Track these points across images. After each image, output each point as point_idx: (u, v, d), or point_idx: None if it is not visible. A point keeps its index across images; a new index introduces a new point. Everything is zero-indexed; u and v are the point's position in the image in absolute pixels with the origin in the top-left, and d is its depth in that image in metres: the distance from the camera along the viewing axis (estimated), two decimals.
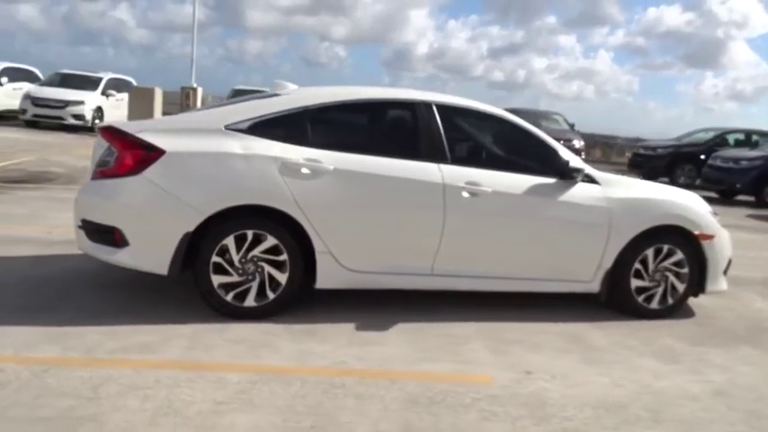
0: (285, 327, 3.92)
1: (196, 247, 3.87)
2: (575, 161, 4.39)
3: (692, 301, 4.98)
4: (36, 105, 16.78)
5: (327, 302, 4.32)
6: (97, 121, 16.83)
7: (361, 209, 4.08)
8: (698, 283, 4.78)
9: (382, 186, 4.10)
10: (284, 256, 3.97)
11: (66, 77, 18.29)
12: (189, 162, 3.87)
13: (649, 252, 4.60)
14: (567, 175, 4.36)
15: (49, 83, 18.13)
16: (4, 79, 18.15)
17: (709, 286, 4.81)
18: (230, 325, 3.85)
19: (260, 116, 4.07)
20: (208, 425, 2.71)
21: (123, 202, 3.85)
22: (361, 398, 3.06)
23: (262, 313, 3.99)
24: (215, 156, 3.89)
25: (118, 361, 3.26)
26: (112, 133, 3.95)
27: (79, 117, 17.03)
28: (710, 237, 4.71)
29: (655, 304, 4.68)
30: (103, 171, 3.93)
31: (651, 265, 4.62)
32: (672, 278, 4.69)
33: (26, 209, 6.88)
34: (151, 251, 3.85)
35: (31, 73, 19.43)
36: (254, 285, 3.97)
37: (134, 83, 19.55)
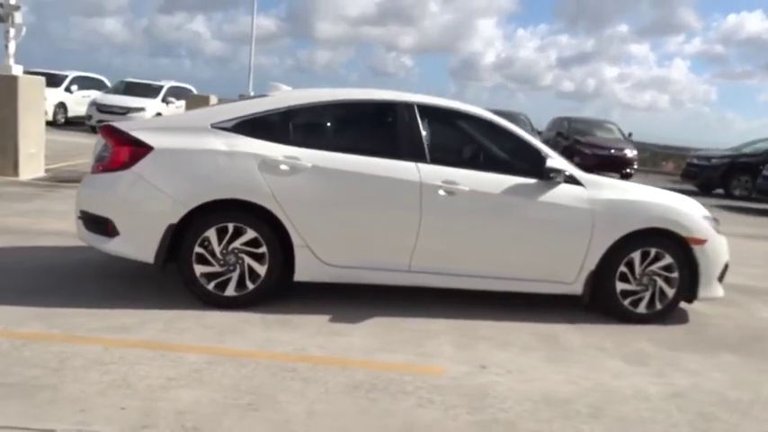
0: (261, 316, 4.11)
1: (181, 238, 4.12)
2: (554, 162, 4.41)
3: (693, 307, 4.90)
4: (101, 112, 17.64)
5: (308, 295, 4.49)
6: None
7: (338, 205, 4.24)
8: (690, 289, 4.70)
9: (359, 184, 4.24)
10: (263, 249, 4.17)
11: (131, 85, 19.27)
12: (175, 158, 4.13)
13: (635, 255, 4.56)
14: (545, 176, 4.39)
15: (115, 90, 19.14)
16: (74, 87, 19.31)
17: (702, 292, 4.71)
18: (209, 312, 4.07)
19: (245, 115, 4.30)
20: (153, 397, 2.92)
21: (115, 194, 4.14)
22: (307, 381, 3.21)
23: (241, 302, 4.19)
24: (199, 152, 4.14)
25: (93, 339, 3.52)
26: (109, 131, 4.26)
27: None
28: (702, 241, 4.62)
29: (642, 308, 4.63)
30: (99, 166, 4.24)
31: (638, 269, 4.58)
32: (660, 283, 4.63)
33: (66, 205, 7.34)
34: (139, 241, 4.13)
35: (100, 81, 20.57)
36: (235, 276, 4.18)
37: (194, 91, 20.38)
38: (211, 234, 4.12)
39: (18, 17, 9.63)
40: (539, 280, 4.53)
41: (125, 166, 4.11)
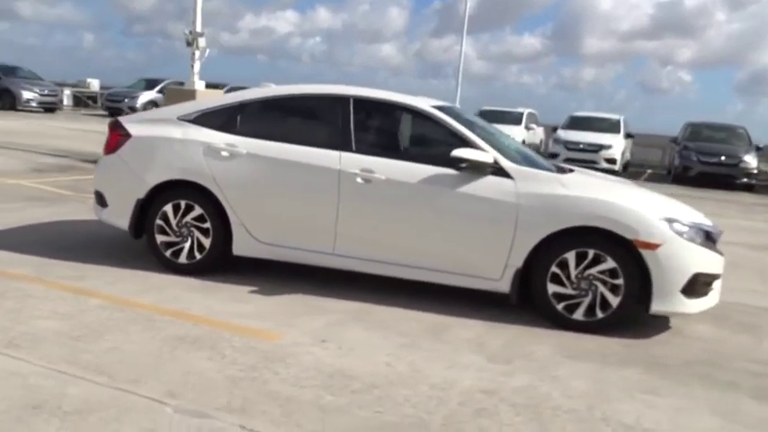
0: (202, 282, 4.69)
1: (147, 212, 4.90)
2: (462, 152, 4.26)
3: (694, 324, 4.31)
4: None
5: (272, 270, 4.89)
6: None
7: (267, 188, 4.65)
8: (645, 300, 4.15)
9: (285, 170, 4.61)
10: (208, 224, 4.76)
11: (488, 114, 19.18)
12: (145, 144, 4.93)
13: (569, 256, 4.19)
14: (452, 165, 4.28)
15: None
16: None
17: (655, 305, 4.13)
18: (161, 275, 4.76)
19: (204, 109, 4.96)
20: (19, 320, 3.68)
21: (106, 173, 5.09)
22: (143, 328, 3.70)
23: (192, 270, 4.81)
24: (162, 140, 4.89)
25: (48, 282, 4.42)
26: (113, 122, 5.24)
27: None
28: (653, 245, 4.06)
29: (579, 315, 4.21)
30: (104, 150, 5.24)
31: (573, 271, 4.19)
32: (602, 289, 4.17)
33: None
34: (119, 212, 4.99)
35: None
36: (186, 246, 4.83)
37: (538, 115, 21.15)
38: (168, 209, 4.83)
39: (202, 42, 11.59)
40: (462, 273, 4.40)
41: (114, 150, 5.03)
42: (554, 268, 4.22)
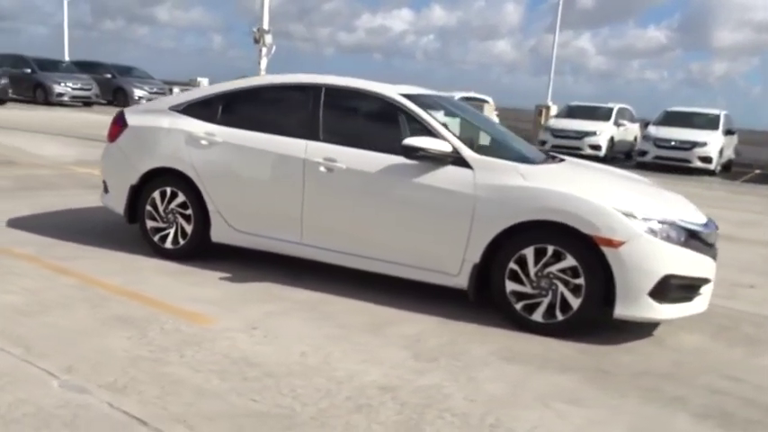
0: (181, 266, 4.82)
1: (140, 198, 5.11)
2: (414, 140, 4.07)
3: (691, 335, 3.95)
4: (555, 136, 17.97)
5: (258, 258, 4.95)
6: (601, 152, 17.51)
7: (241, 177, 4.70)
8: (608, 302, 3.81)
9: (256, 158, 4.64)
10: (190, 211, 4.90)
11: (577, 109, 19.28)
12: (138, 133, 5.13)
13: (528, 252, 3.91)
14: (405, 154, 4.11)
15: (563, 115, 19.50)
16: None
17: (619, 308, 3.77)
18: (149, 259, 4.94)
19: (192, 99, 5.08)
20: None
21: (107, 160, 5.35)
22: (92, 306, 3.85)
23: (177, 255, 4.96)
24: (152, 129, 5.06)
25: (40, 260, 4.71)
26: (118, 113, 5.50)
27: (596, 147, 17.58)
28: (615, 243, 3.71)
29: (538, 316, 3.93)
30: (107, 140, 5.51)
31: (532, 269, 3.91)
32: (562, 288, 3.87)
33: None
34: (117, 197, 5.23)
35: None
36: (171, 232, 5.00)
37: (633, 111, 20.12)
38: (156, 195, 5.01)
39: (268, 38, 11.97)
40: (421, 267, 4.24)
41: (113, 139, 5.28)
42: (512, 265, 3.96)
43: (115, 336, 3.47)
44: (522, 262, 3.93)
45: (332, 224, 4.45)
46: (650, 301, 3.74)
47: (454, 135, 4.24)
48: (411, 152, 4.08)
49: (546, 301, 3.91)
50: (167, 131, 4.96)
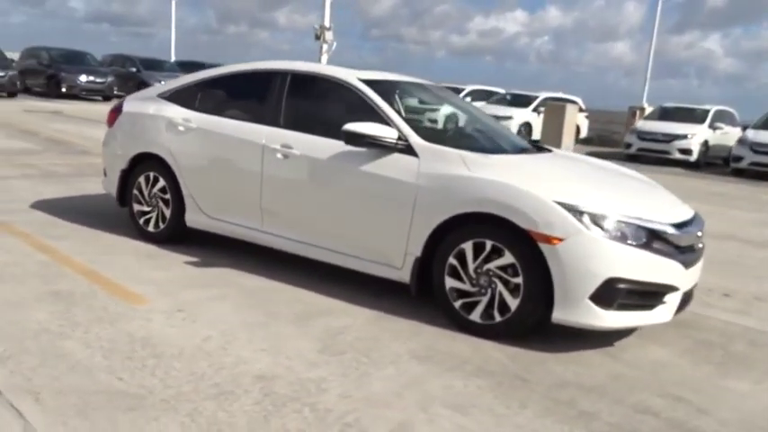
0: (155, 249, 4.91)
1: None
2: (355, 126, 3.88)
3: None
4: (642, 139, 16.78)
5: (232, 245, 4.99)
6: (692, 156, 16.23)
7: (210, 162, 4.72)
8: (549, 304, 3.48)
9: (223, 144, 4.64)
10: (168, 196, 4.99)
11: (671, 110, 17.94)
12: (130, 119, 5.29)
13: (467, 246, 3.65)
14: (345, 141, 3.93)
15: (655, 116, 18.09)
16: (467, 99, 21.62)
17: (557, 312, 3.43)
18: (132, 241, 5.07)
19: (177, 87, 5.16)
20: None
21: (105, 146, 5.55)
22: (42, 282, 3.97)
23: (159, 238, 5.06)
24: (140, 116, 5.20)
25: (30, 237, 4.96)
26: (118, 101, 5.69)
27: (686, 152, 16.30)
28: (554, 239, 3.38)
29: (476, 316, 3.65)
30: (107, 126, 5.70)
31: (471, 265, 3.65)
32: (500, 288, 3.57)
33: None
34: (111, 181, 5.42)
35: (494, 93, 22.29)
36: (154, 216, 5.11)
37: (736, 114, 18.54)
38: (141, 179, 5.14)
39: (329, 35, 12.07)
40: (368, 260, 4.06)
41: (110, 125, 5.48)
42: (452, 260, 3.70)
43: (40, 309, 3.56)
44: (461, 257, 3.67)
45: (288, 212, 4.36)
46: (592, 306, 3.37)
47: (406, 122, 4.03)
48: (352, 139, 3.90)
49: (485, 300, 3.62)
50: (152, 118, 5.07)
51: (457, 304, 3.70)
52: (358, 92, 4.23)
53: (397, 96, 4.55)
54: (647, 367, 3.45)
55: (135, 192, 5.17)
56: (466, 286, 3.67)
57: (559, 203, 3.42)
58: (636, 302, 3.47)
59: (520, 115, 19.20)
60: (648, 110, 21.08)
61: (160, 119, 5.00)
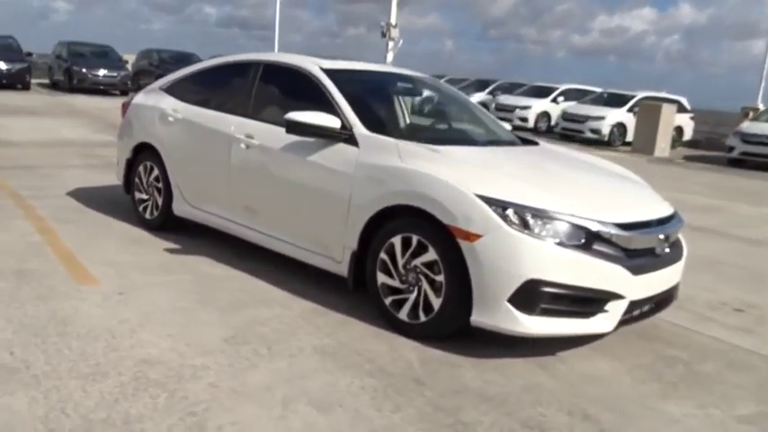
0: (147, 235, 5.08)
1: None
2: (298, 115, 3.77)
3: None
4: (745, 142, 15.37)
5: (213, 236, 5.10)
6: None
7: (190, 152, 4.81)
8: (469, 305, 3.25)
9: (200, 134, 4.72)
10: (161, 185, 5.15)
11: None
12: (135, 111, 5.51)
13: (396, 241, 3.48)
14: (287, 129, 3.83)
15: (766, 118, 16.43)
16: (561, 98, 20.79)
17: (475, 314, 3.19)
18: (130, 227, 5.29)
19: (174, 78, 5.31)
20: None
21: (117, 136, 5.82)
22: (17, 261, 4.21)
23: (154, 226, 5.24)
24: (142, 107, 5.40)
25: (39, 218, 5.31)
26: (133, 94, 5.95)
27: None
28: (472, 235, 3.14)
29: (403, 314, 3.47)
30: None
31: (400, 260, 3.47)
32: (425, 286, 3.38)
33: None
34: (120, 170, 5.68)
35: (590, 92, 21.23)
36: (150, 203, 5.30)
37: None
38: (141, 169, 5.34)
39: (395, 32, 12.00)
40: (314, 252, 3.97)
41: (123, 116, 5.74)
42: (383, 255, 3.53)
43: None
44: (391, 252, 3.49)
45: (250, 203, 4.36)
46: (511, 309, 3.08)
47: (355, 112, 3.89)
48: (294, 128, 3.81)
49: (412, 298, 3.42)
50: (150, 109, 5.25)
51: (387, 301, 3.53)
52: (316, 81, 4.15)
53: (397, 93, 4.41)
54: (576, 380, 3.11)
55: (136, 180, 5.37)
56: (395, 283, 3.49)
57: (481, 197, 3.16)
58: (566, 309, 3.14)
59: (613, 115, 18.16)
60: (761, 107, 19.30)
61: (156, 110, 5.16)
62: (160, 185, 5.11)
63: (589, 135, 18.08)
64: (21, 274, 3.99)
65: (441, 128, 4.51)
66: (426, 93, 4.99)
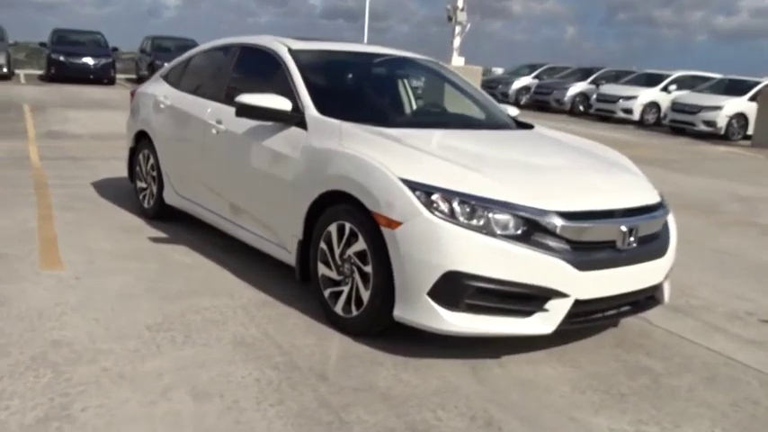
0: (143, 224, 5.38)
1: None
2: (247, 97, 3.84)
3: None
4: None
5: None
6: None
7: (174, 139, 5.05)
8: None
9: (182, 121, 4.93)
10: (155, 173, 5.44)
11: None
12: (137, 99, 5.83)
13: (333, 229, 3.49)
14: (237, 113, 3.91)
15: None
16: (673, 87, 19.71)
17: (397, 309, 3.15)
18: (130, 217, 5.63)
19: (171, 65, 5.58)
20: None
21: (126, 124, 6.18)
22: (4, 238, 4.64)
23: (151, 215, 5.53)
24: (142, 95, 5.71)
25: (49, 208, 5.75)
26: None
27: None
28: (393, 223, 3.10)
29: (339, 308, 3.48)
30: None
31: (336, 250, 3.49)
32: (357, 277, 3.37)
33: None
34: (126, 159, 6.04)
35: (706, 79, 19.94)
36: (148, 193, 5.60)
37: None
38: (141, 157, 5.66)
39: (461, 16, 11.89)
40: (270, 240, 4.05)
41: (131, 102, 6.10)
42: (322, 244, 3.55)
43: None
44: (329, 241, 3.51)
45: (219, 190, 4.51)
46: (432, 304, 3.01)
47: (312, 94, 3.93)
48: (243, 111, 3.89)
49: (346, 290, 3.42)
50: (148, 96, 5.55)
51: (326, 293, 3.54)
52: (281, 62, 4.23)
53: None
54: (504, 386, 2.98)
55: (137, 168, 5.69)
56: (333, 274, 3.50)
57: (405, 181, 3.11)
58: (498, 306, 3.02)
59: (732, 105, 16.94)
60: None
61: (151, 97, 5.45)
62: (155, 173, 5.38)
63: (702, 128, 17.00)
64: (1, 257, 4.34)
65: (409, 110, 4.44)
66: (408, 74, 4.94)
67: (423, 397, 2.84)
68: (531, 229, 3.02)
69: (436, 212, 3.00)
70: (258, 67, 4.57)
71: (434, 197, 3.04)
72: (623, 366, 3.28)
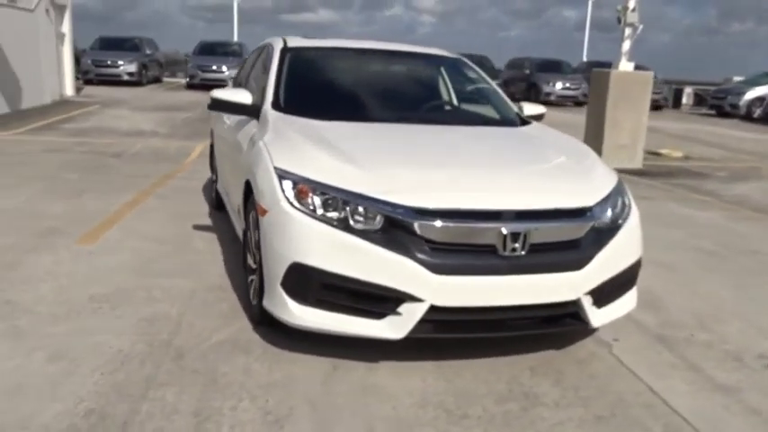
0: (207, 211, 5.90)
1: None
2: (218, 92, 4.01)
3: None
4: None
5: None
6: None
7: (216, 133, 5.44)
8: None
9: (221, 115, 5.28)
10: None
11: None
12: None
13: (251, 219, 3.57)
14: (209, 106, 4.10)
15: None
16: None
17: (265, 299, 3.14)
18: (206, 208, 6.17)
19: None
20: None
21: None
22: (66, 221, 5.38)
23: (217, 206, 6.03)
24: None
25: (144, 191, 6.52)
26: None
27: None
28: (261, 210, 3.13)
29: (251, 296, 3.55)
30: None
31: (253, 238, 3.55)
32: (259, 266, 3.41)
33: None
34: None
35: None
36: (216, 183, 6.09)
37: None
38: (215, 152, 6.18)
39: (632, 18, 10.89)
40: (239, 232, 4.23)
41: None
42: (249, 232, 3.64)
43: (11, 236, 4.88)
44: (248, 230, 3.58)
45: (224, 182, 4.80)
46: (284, 296, 2.95)
47: (277, 89, 4.03)
48: (214, 105, 4.08)
49: (255, 278, 3.46)
50: None
51: (248, 281, 3.61)
52: (272, 58, 4.38)
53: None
54: (339, 389, 2.81)
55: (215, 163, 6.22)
56: (251, 262, 3.56)
57: (277, 170, 3.08)
58: (348, 304, 2.85)
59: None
60: None
61: None
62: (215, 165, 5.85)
63: None
64: (50, 231, 5.04)
65: (377, 105, 4.22)
66: (405, 69, 4.75)
67: (247, 388, 2.80)
68: (390, 226, 2.81)
69: (298, 203, 2.93)
70: (263, 64, 4.77)
71: (300, 186, 2.97)
72: (506, 389, 2.89)
